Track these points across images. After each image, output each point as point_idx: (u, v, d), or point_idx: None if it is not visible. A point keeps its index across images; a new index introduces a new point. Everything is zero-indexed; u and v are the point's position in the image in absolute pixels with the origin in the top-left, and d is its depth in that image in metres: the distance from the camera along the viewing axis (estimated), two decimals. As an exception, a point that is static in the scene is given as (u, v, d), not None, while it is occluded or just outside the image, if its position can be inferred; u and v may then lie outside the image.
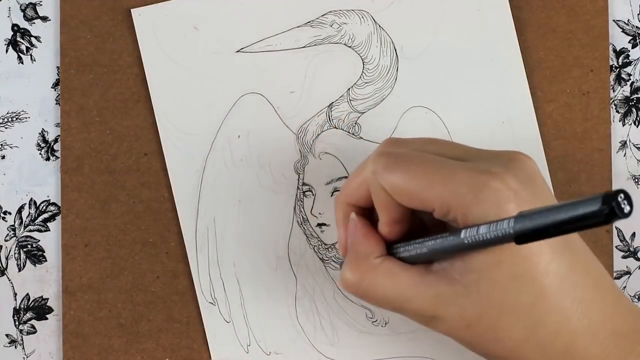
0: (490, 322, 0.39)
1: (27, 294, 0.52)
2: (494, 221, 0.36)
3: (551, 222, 0.33)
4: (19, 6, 0.52)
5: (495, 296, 0.38)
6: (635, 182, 0.53)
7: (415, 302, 0.40)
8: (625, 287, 0.53)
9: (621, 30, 0.54)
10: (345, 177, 0.52)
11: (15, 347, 0.52)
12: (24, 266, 0.52)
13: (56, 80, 0.52)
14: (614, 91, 0.53)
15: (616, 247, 0.53)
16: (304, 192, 0.52)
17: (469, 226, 0.38)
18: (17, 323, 0.52)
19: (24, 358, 0.52)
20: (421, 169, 0.39)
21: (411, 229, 0.43)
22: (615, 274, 0.53)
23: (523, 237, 0.34)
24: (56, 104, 0.52)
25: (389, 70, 0.52)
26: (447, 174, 0.39)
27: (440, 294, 0.40)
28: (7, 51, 0.52)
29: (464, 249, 0.38)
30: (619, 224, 0.53)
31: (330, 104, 0.52)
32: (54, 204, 0.52)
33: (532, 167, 0.39)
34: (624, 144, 0.53)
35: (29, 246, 0.52)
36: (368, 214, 0.44)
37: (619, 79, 0.53)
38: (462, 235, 0.38)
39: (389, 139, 0.43)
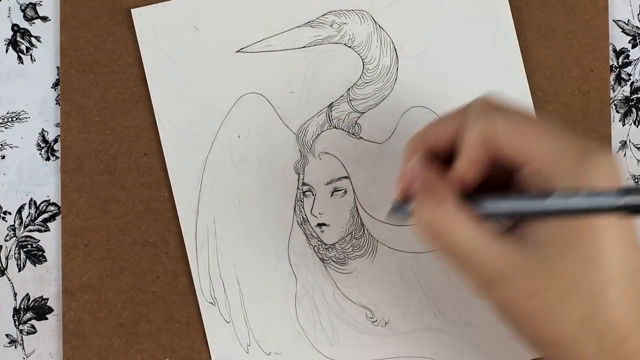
0: (554, 297, 0.38)
1: (27, 294, 0.52)
2: (595, 191, 0.36)
3: None
4: (19, 6, 0.52)
5: (567, 273, 0.38)
6: (636, 182, 0.53)
7: (485, 259, 0.39)
8: (625, 287, 0.53)
9: (621, 30, 0.54)
10: (346, 177, 0.52)
11: (15, 347, 0.52)
12: (24, 266, 0.52)
13: (56, 80, 0.52)
14: (614, 91, 0.53)
15: (616, 247, 0.53)
16: (304, 192, 0.52)
17: (566, 190, 0.37)
18: (17, 323, 0.52)
19: (24, 358, 0.52)
20: (529, 121, 0.39)
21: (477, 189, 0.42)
22: (615, 274, 0.53)
23: (632, 208, 0.35)
24: (56, 104, 0.52)
25: (389, 70, 0.52)
26: (555, 133, 0.38)
27: (512, 258, 0.39)
28: (7, 51, 0.52)
29: (556, 214, 0.38)
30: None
31: (330, 104, 0.52)
32: (54, 204, 0.52)
33: (620, 168, 0.40)
34: (624, 144, 0.53)
35: (29, 246, 0.52)
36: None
37: (619, 79, 0.53)
38: (558, 195, 0.37)
39: (489, 95, 0.42)
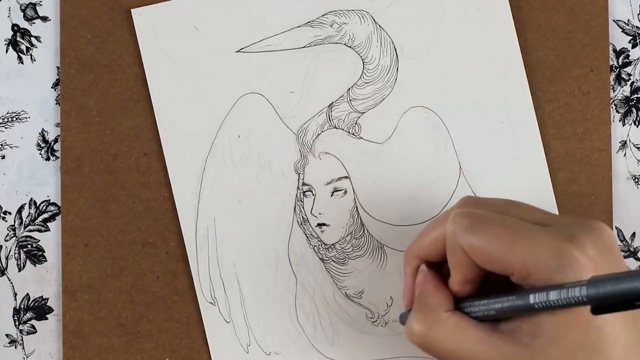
0: None
1: (27, 294, 0.52)
2: (564, 285, 0.36)
3: (627, 289, 0.33)
4: (19, 6, 0.52)
5: None
6: (635, 182, 0.53)
7: None
8: (625, 287, 0.53)
9: (621, 30, 0.54)
10: (346, 177, 0.52)
11: (15, 347, 0.52)
12: (24, 266, 0.52)
13: (56, 80, 0.52)
14: (614, 91, 0.53)
15: (616, 247, 0.53)
16: (304, 192, 0.52)
17: (537, 289, 0.38)
18: (17, 323, 0.52)
19: (24, 358, 0.52)
20: (503, 231, 0.39)
21: (481, 287, 0.43)
22: (615, 274, 0.53)
23: (596, 305, 0.35)
24: (56, 104, 0.52)
25: (389, 70, 0.52)
26: (530, 238, 0.39)
27: (506, 355, 0.39)
28: (7, 51, 0.52)
29: (533, 312, 0.38)
30: (619, 223, 0.53)
31: (330, 104, 0.52)
32: (54, 204, 0.52)
33: (610, 236, 0.39)
34: (624, 144, 0.53)
35: (29, 246, 0.52)
36: (437, 267, 0.44)
37: (619, 79, 0.53)
38: (531, 300, 0.38)
39: (467, 197, 0.44)
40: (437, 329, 0.42)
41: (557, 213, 0.52)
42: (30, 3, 0.52)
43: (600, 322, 0.37)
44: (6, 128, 0.52)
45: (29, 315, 0.52)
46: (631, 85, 0.53)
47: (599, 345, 0.38)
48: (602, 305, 0.35)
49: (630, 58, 0.53)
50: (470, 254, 0.40)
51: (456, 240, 0.40)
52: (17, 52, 0.52)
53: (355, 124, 0.52)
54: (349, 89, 0.52)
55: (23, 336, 0.52)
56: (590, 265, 0.38)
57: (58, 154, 0.52)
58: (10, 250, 0.52)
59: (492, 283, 0.43)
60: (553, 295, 0.37)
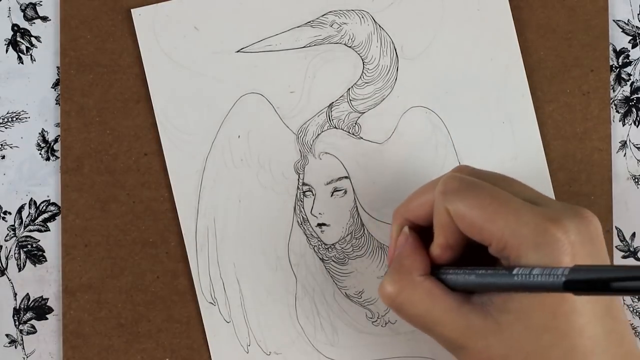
0: None
1: (27, 294, 0.52)
2: (548, 267, 0.36)
3: (606, 278, 0.33)
4: (19, 6, 0.52)
5: (526, 342, 0.38)
6: (635, 182, 0.53)
7: (446, 328, 0.40)
8: (625, 287, 0.53)
9: (621, 30, 0.54)
10: (346, 177, 0.52)
11: (15, 347, 0.52)
12: (24, 266, 0.52)
13: (56, 80, 0.52)
14: (614, 91, 0.53)
15: (616, 247, 0.53)
16: (304, 192, 0.52)
17: (522, 266, 0.38)
18: (17, 323, 0.52)
19: (24, 358, 0.52)
20: (489, 200, 0.39)
21: (460, 257, 0.43)
22: (615, 274, 0.53)
23: (574, 286, 0.34)
24: (56, 104, 0.52)
25: (389, 70, 0.52)
26: (513, 211, 0.39)
27: (473, 326, 0.40)
28: (7, 51, 0.52)
29: (510, 288, 0.38)
30: (619, 223, 0.53)
31: (330, 104, 0.52)
32: (54, 204, 0.52)
33: (597, 229, 0.39)
34: (624, 144, 0.53)
35: (29, 246, 0.52)
36: (423, 232, 0.44)
37: (619, 79, 0.53)
38: (514, 272, 0.38)
39: (463, 165, 0.44)
40: (409, 292, 0.41)
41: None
42: (30, 3, 0.52)
43: (568, 308, 0.37)
44: (6, 128, 0.52)
45: (29, 315, 0.52)
46: (631, 85, 0.53)
47: (563, 331, 0.37)
48: (577, 285, 0.34)
49: (630, 58, 0.53)
50: (454, 218, 0.40)
51: (443, 201, 0.41)
52: (17, 52, 0.52)
53: (355, 124, 0.52)
54: (349, 89, 0.52)
55: (23, 336, 0.52)
56: (569, 249, 0.37)
57: (58, 154, 0.52)
58: (10, 250, 0.52)
59: (472, 257, 0.42)
60: (536, 271, 0.36)
